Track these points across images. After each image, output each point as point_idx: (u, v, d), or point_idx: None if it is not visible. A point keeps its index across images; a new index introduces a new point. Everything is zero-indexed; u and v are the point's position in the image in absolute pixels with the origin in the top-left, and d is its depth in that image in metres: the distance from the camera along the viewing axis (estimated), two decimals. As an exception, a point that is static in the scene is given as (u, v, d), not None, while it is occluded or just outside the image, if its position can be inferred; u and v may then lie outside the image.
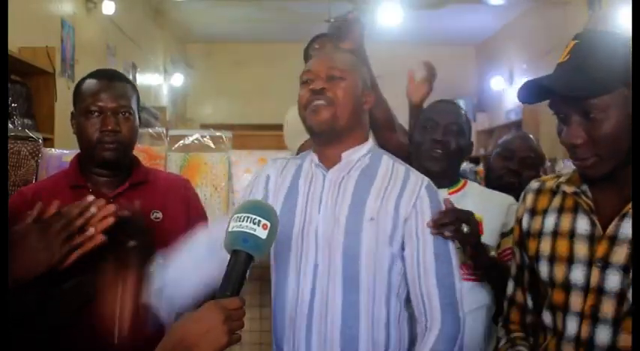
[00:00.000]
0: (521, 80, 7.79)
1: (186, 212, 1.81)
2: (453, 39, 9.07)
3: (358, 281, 1.49)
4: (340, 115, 1.52)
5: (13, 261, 1.26)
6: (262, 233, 1.15)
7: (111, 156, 1.69)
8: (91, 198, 1.34)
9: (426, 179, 1.57)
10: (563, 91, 1.19)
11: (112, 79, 1.74)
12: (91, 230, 1.30)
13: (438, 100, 1.99)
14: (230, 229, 1.16)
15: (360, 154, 1.57)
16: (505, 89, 8.50)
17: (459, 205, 1.77)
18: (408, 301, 1.54)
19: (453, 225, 1.52)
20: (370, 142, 1.62)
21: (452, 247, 1.54)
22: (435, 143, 1.84)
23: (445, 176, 1.86)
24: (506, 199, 1.89)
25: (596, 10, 5.68)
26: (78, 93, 1.74)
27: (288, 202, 1.58)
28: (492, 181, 2.30)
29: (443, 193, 1.77)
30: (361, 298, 1.49)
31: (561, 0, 6.51)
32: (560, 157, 5.33)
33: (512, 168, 2.28)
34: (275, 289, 1.60)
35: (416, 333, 1.53)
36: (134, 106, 1.76)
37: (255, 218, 1.15)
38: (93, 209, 1.32)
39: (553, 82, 1.21)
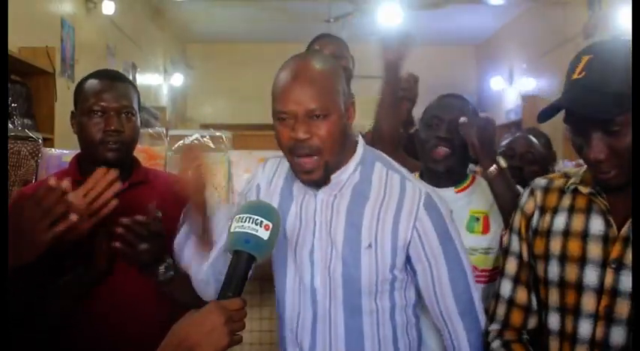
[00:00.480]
0: (521, 80, 7.83)
1: (184, 210, 1.81)
2: (453, 39, 9.08)
3: (360, 306, 1.43)
4: (330, 159, 1.38)
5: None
6: (264, 234, 1.14)
7: (113, 156, 1.69)
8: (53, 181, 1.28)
9: (424, 192, 1.43)
10: (588, 113, 1.17)
11: (114, 79, 1.74)
12: (73, 216, 1.28)
13: (442, 94, 1.91)
14: (232, 230, 1.15)
15: (348, 172, 1.45)
16: (505, 89, 8.50)
17: (465, 203, 1.78)
18: (414, 306, 1.50)
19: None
20: (359, 153, 1.47)
21: (465, 258, 1.46)
22: (440, 141, 1.77)
23: (451, 175, 1.80)
24: None
25: (596, 10, 5.68)
26: (80, 93, 1.74)
27: (281, 209, 1.47)
28: None
29: (449, 192, 1.75)
30: (364, 321, 1.44)
31: (561, 0, 6.51)
32: (560, 157, 5.34)
33: (514, 165, 2.33)
34: (278, 303, 1.55)
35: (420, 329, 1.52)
36: (136, 106, 1.76)
37: (257, 219, 1.15)
38: (64, 185, 1.27)
39: (574, 104, 1.19)
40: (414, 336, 1.51)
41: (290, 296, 1.48)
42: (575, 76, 1.22)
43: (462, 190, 1.81)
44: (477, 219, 1.76)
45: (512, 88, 8.25)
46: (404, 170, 1.49)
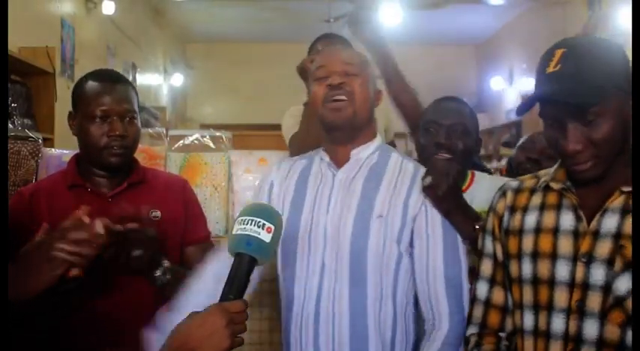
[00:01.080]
0: (521, 80, 7.83)
1: (184, 212, 1.81)
2: (453, 39, 9.08)
3: (365, 279, 1.49)
4: (359, 110, 1.52)
5: (17, 278, 1.32)
6: (266, 236, 1.14)
7: (117, 161, 1.69)
8: (82, 212, 1.39)
9: None
10: (569, 99, 1.19)
11: (115, 81, 1.73)
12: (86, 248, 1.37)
13: (440, 98, 1.90)
14: (234, 232, 1.15)
15: (368, 151, 1.58)
16: (505, 89, 8.50)
17: (469, 201, 1.73)
18: (415, 298, 1.54)
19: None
20: (378, 139, 1.62)
21: (461, 247, 1.52)
22: (439, 147, 1.76)
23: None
24: None
25: (596, 10, 5.68)
26: (80, 95, 1.71)
27: (295, 203, 1.58)
28: (513, 170, 2.46)
29: None
30: (369, 296, 1.49)
31: (561, 0, 6.51)
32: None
33: (532, 157, 2.43)
34: (283, 291, 1.60)
35: (422, 331, 1.53)
36: (137, 108, 1.75)
37: (259, 221, 1.14)
38: (85, 219, 1.37)
39: (555, 92, 1.21)
40: (410, 329, 1.54)
41: (299, 278, 1.53)
42: (550, 70, 1.25)
43: (464, 190, 1.80)
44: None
45: (512, 88, 8.25)
46: (417, 163, 1.61)
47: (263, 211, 1.18)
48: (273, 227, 1.15)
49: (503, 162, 4.76)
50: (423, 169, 1.56)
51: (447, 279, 1.49)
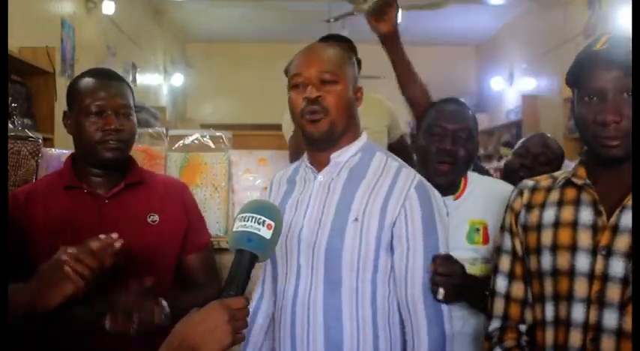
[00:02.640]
0: (521, 80, 7.83)
1: (184, 217, 1.79)
2: (453, 39, 9.07)
3: (340, 282, 1.47)
4: (336, 121, 1.51)
5: (37, 293, 1.35)
6: (267, 233, 1.15)
7: (113, 155, 1.67)
8: (114, 236, 1.41)
9: (418, 177, 1.50)
10: (624, 60, 1.26)
11: (109, 77, 1.72)
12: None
13: (444, 99, 1.86)
14: (234, 229, 1.17)
15: (349, 153, 1.55)
16: (505, 89, 8.49)
17: (462, 210, 1.75)
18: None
19: (443, 276, 1.46)
20: (362, 140, 1.58)
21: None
22: (444, 153, 1.73)
23: (452, 186, 1.78)
24: (506, 186, 1.79)
25: (596, 10, 5.68)
26: (75, 92, 1.70)
27: (281, 206, 1.59)
28: (507, 176, 2.46)
29: (449, 201, 1.74)
30: (343, 299, 1.47)
31: (561, 0, 6.51)
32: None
33: (525, 164, 2.44)
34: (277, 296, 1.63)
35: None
36: (132, 104, 1.74)
37: (259, 218, 1.16)
38: (117, 244, 1.40)
39: (612, 55, 1.29)
40: (397, 335, 1.49)
41: (280, 279, 1.57)
42: (598, 47, 1.32)
43: (459, 195, 1.80)
44: (477, 230, 1.75)
45: (512, 88, 8.25)
46: (403, 162, 1.58)
47: (263, 208, 1.19)
48: (273, 224, 1.16)
49: (504, 162, 4.74)
50: (406, 168, 1.52)
51: (425, 287, 1.46)
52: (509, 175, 2.50)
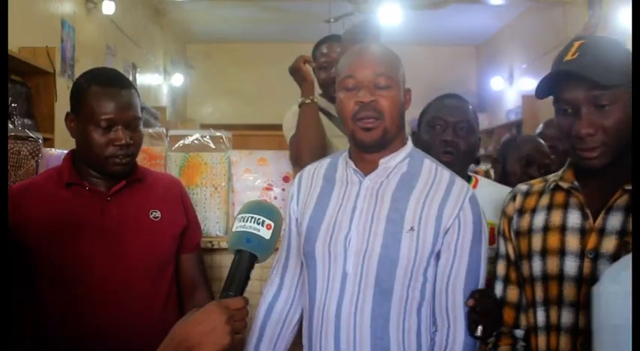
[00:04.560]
0: (521, 80, 7.82)
1: (183, 214, 1.80)
2: (453, 39, 9.08)
3: (392, 292, 1.44)
4: (389, 127, 1.47)
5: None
6: (266, 233, 1.15)
7: (121, 170, 1.67)
8: None
9: (471, 190, 1.50)
10: (588, 74, 1.24)
11: (119, 86, 1.66)
12: None
13: (443, 95, 1.89)
14: (234, 229, 1.16)
15: (398, 159, 1.51)
16: (505, 89, 8.50)
17: None
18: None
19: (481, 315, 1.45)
20: (409, 146, 1.55)
21: (483, 267, 1.50)
22: (446, 145, 1.75)
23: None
24: None
25: (596, 10, 5.68)
26: (82, 98, 1.64)
27: (318, 206, 1.54)
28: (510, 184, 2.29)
29: None
30: (392, 309, 1.44)
31: (561, 0, 6.51)
32: (560, 157, 5.33)
33: (534, 175, 2.26)
34: (306, 297, 1.57)
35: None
36: (140, 112, 1.71)
37: (259, 218, 1.15)
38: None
39: (575, 69, 1.27)
40: (430, 334, 1.50)
41: (320, 284, 1.50)
42: (568, 58, 1.30)
43: None
44: None
45: (512, 88, 8.25)
46: (452, 172, 1.56)
47: (263, 209, 1.18)
48: (272, 224, 1.16)
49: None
50: (458, 178, 1.51)
51: (466, 292, 1.47)
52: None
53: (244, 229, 1.15)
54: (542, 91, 1.34)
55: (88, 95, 1.63)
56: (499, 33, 8.89)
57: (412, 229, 1.44)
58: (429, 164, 1.53)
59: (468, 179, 1.84)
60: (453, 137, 1.76)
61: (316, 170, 1.62)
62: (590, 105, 1.26)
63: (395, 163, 1.51)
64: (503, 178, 2.41)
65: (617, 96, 1.25)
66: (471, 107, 1.85)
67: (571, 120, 1.29)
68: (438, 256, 1.47)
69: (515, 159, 2.36)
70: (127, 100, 1.65)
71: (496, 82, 8.60)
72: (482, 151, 8.51)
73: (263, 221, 1.15)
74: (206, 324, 1.05)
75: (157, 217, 1.73)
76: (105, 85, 1.64)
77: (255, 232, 1.14)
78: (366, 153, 1.51)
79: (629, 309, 0.97)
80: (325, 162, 1.64)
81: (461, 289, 1.46)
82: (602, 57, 1.27)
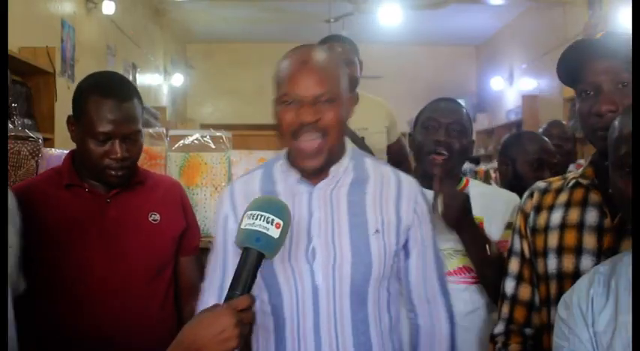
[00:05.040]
0: (521, 80, 7.83)
1: (182, 217, 1.80)
2: (453, 39, 9.08)
3: (367, 296, 1.43)
4: (332, 143, 1.38)
5: None
6: (275, 232, 1.14)
7: (117, 181, 1.66)
8: None
9: (417, 182, 1.52)
10: (616, 48, 1.26)
11: (120, 98, 1.62)
12: None
13: (438, 98, 1.92)
14: (243, 226, 1.15)
15: (344, 164, 1.45)
16: (505, 89, 8.50)
17: None
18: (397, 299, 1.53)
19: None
20: (350, 149, 1.49)
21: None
22: (438, 144, 1.77)
23: (446, 178, 1.77)
24: (512, 197, 1.85)
25: (596, 10, 5.68)
26: (82, 106, 1.62)
27: None
28: (518, 187, 2.17)
29: None
30: (369, 312, 1.44)
31: (561, 0, 6.51)
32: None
33: (544, 177, 2.23)
34: (269, 320, 1.46)
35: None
36: (141, 124, 1.69)
37: (268, 217, 1.14)
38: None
39: (603, 43, 1.29)
40: (404, 335, 1.53)
41: (287, 299, 1.43)
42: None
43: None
44: None
45: (512, 88, 8.25)
46: (389, 165, 1.58)
47: (272, 206, 1.17)
48: (281, 223, 1.15)
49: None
50: (400, 173, 1.51)
51: (439, 276, 1.53)
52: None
53: (253, 228, 1.13)
54: (564, 73, 1.35)
55: (88, 104, 1.61)
56: (499, 33, 8.89)
57: (377, 231, 1.43)
58: (370, 163, 1.51)
59: (459, 180, 1.86)
60: (445, 138, 1.78)
61: (248, 186, 1.49)
62: (612, 83, 1.28)
63: (343, 169, 1.45)
64: (513, 181, 2.36)
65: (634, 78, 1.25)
66: (464, 110, 1.89)
67: (592, 101, 1.30)
68: (406, 253, 1.50)
69: (526, 162, 2.32)
70: (127, 113, 1.62)
71: (496, 82, 8.60)
72: (482, 151, 8.52)
73: (272, 220, 1.14)
74: (215, 327, 1.05)
75: (157, 219, 1.73)
76: (105, 96, 1.61)
77: (265, 231, 1.13)
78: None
79: None
80: (256, 175, 1.51)
81: (434, 275, 1.52)
82: (622, 38, 1.29)
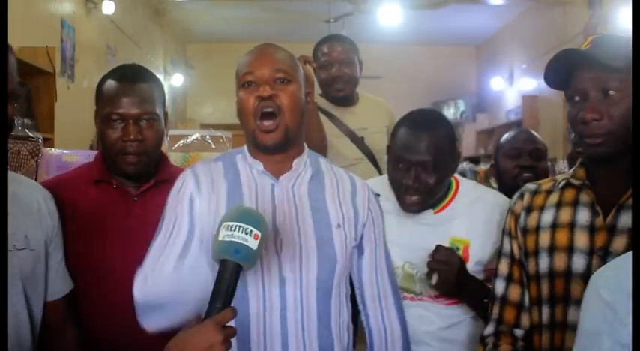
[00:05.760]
0: (521, 80, 7.83)
1: None
2: (453, 39, 9.08)
3: (331, 289, 1.46)
4: (290, 124, 1.44)
5: None
6: (253, 243, 1.11)
7: (134, 170, 1.63)
8: None
9: (366, 182, 1.59)
10: (602, 59, 1.26)
11: (135, 80, 1.64)
12: None
13: (409, 120, 1.72)
14: (220, 238, 1.12)
15: (304, 159, 1.51)
16: (505, 89, 8.50)
17: (443, 228, 1.70)
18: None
19: (439, 263, 1.61)
20: (306, 149, 1.55)
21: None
22: (408, 187, 1.66)
23: (428, 207, 1.72)
24: (497, 201, 1.74)
25: (596, 11, 5.68)
26: (99, 94, 1.65)
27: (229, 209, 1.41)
28: (506, 183, 2.23)
29: (429, 214, 1.71)
30: (332, 305, 1.46)
31: (561, 0, 6.51)
32: (561, 157, 5.33)
33: (525, 165, 2.23)
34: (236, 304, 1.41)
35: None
36: (159, 109, 1.67)
37: (247, 228, 1.12)
38: None
39: (590, 53, 1.29)
40: (362, 323, 1.58)
41: (254, 293, 1.41)
42: (583, 47, 1.33)
43: (440, 210, 1.73)
44: (457, 248, 1.69)
45: (512, 88, 8.25)
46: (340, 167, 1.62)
47: (249, 217, 1.14)
48: (260, 234, 1.13)
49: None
50: (351, 174, 1.57)
51: (390, 277, 1.58)
52: (509, 182, 2.23)
53: (232, 239, 1.11)
54: (552, 79, 1.36)
55: (103, 90, 1.64)
56: (499, 33, 8.89)
57: (339, 226, 1.47)
58: (324, 163, 1.57)
59: (444, 197, 1.74)
60: (414, 182, 1.65)
61: (212, 171, 1.50)
62: (597, 91, 1.28)
63: (302, 164, 1.50)
64: (498, 178, 2.37)
65: (625, 84, 1.25)
66: (441, 132, 1.68)
67: (579, 107, 1.31)
68: (359, 251, 1.54)
69: (504, 156, 2.30)
70: (140, 94, 1.62)
71: (496, 82, 8.60)
72: (482, 151, 8.52)
73: (251, 231, 1.12)
74: (202, 344, 1.04)
75: None
76: (118, 80, 1.63)
77: (243, 242, 1.10)
78: (270, 154, 1.47)
79: None
80: (218, 164, 1.52)
81: (387, 275, 1.57)
82: (612, 46, 1.29)
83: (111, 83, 1.63)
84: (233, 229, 1.11)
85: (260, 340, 1.41)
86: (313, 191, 1.49)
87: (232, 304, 1.10)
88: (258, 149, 1.47)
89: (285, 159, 1.48)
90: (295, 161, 1.49)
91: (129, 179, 1.68)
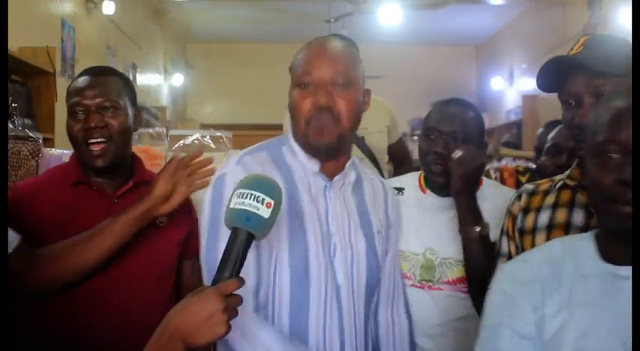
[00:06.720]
0: (521, 80, 7.82)
1: (188, 221, 1.77)
2: (453, 39, 9.07)
3: (373, 294, 1.50)
4: (345, 130, 1.38)
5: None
6: (266, 212, 1.07)
7: (101, 163, 1.61)
8: None
9: (391, 186, 1.66)
10: (592, 65, 1.26)
11: (97, 74, 1.65)
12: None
13: (444, 101, 1.85)
14: (232, 206, 1.08)
15: (353, 160, 1.49)
16: (505, 89, 8.49)
17: None
18: None
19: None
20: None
21: None
22: (437, 156, 1.72)
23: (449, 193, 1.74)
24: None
25: (596, 10, 5.68)
26: (67, 93, 1.68)
27: (292, 211, 1.37)
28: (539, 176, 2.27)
29: (450, 202, 1.73)
30: (370, 310, 1.51)
31: (561, 0, 6.51)
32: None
33: (561, 164, 2.17)
34: (277, 320, 1.37)
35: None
36: (124, 101, 1.66)
37: (259, 196, 1.07)
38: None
39: (582, 59, 1.29)
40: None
41: (316, 301, 1.36)
42: (572, 52, 1.33)
43: None
44: None
45: (512, 88, 8.25)
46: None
47: (263, 185, 1.10)
48: (272, 202, 1.08)
49: (504, 162, 4.72)
50: (379, 177, 1.63)
51: (402, 280, 1.64)
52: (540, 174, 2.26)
53: (243, 207, 1.06)
54: (544, 84, 1.37)
55: (69, 87, 1.67)
56: (499, 33, 8.89)
57: (379, 232, 1.48)
58: (359, 164, 1.56)
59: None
60: (443, 149, 1.72)
61: (263, 164, 1.40)
62: (592, 95, 1.28)
63: (351, 165, 1.47)
64: (538, 174, 2.39)
65: (619, 87, 1.24)
66: (471, 113, 1.78)
67: (574, 112, 1.31)
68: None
69: (544, 151, 2.31)
70: (103, 85, 1.63)
71: (496, 82, 8.59)
72: (482, 151, 8.52)
73: (263, 199, 1.07)
74: (202, 313, 1.00)
75: (163, 222, 1.69)
76: (82, 74, 1.67)
77: (255, 210, 1.06)
78: (322, 156, 1.41)
79: None
80: (263, 154, 1.43)
81: (399, 274, 1.62)
82: (605, 48, 1.30)
83: (77, 80, 1.66)
84: (245, 196, 1.07)
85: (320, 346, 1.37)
86: (357, 195, 1.47)
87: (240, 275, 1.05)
88: (308, 151, 1.41)
89: (336, 160, 1.43)
90: (349, 163, 1.45)
91: (102, 175, 1.66)
